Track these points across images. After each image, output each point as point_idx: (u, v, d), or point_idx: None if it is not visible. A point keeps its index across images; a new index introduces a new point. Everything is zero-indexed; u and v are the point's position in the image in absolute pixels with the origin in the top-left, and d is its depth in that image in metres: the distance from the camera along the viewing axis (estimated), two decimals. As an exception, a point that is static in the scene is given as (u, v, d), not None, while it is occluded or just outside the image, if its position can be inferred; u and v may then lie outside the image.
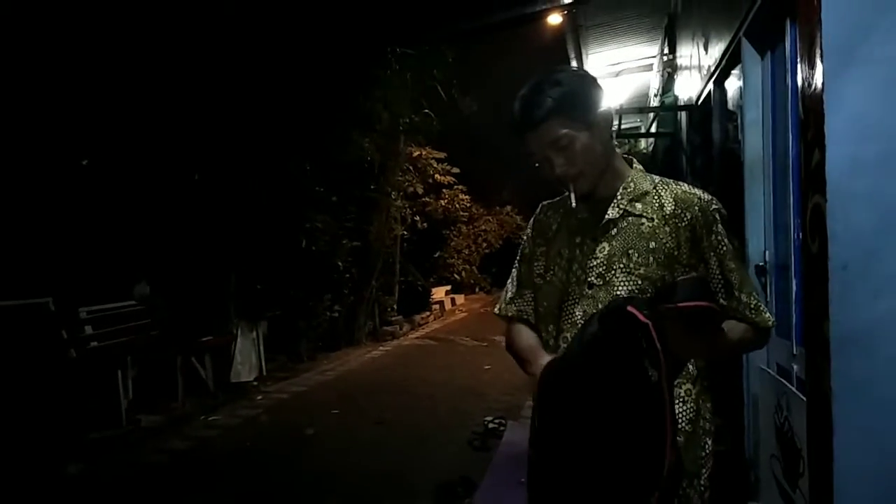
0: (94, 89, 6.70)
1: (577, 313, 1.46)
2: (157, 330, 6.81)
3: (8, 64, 5.97)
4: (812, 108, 1.82)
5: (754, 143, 3.25)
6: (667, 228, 1.43)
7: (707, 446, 1.45)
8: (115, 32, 6.57)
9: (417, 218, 14.56)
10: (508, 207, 23.12)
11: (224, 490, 4.38)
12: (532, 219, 1.68)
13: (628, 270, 1.42)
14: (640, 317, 1.17)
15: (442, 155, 15.41)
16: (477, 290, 22.79)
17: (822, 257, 1.73)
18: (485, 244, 22.46)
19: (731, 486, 3.19)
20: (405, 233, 13.71)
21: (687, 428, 1.42)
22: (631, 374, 1.18)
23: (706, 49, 4.41)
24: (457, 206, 18.82)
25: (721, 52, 3.73)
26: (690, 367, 1.44)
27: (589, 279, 1.46)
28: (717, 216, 1.43)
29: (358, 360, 9.79)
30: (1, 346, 5.28)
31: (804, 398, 2.12)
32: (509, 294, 1.66)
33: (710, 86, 4.21)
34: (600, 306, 1.40)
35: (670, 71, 7.24)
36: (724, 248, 1.42)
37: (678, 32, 6.62)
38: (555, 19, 7.71)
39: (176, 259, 7.50)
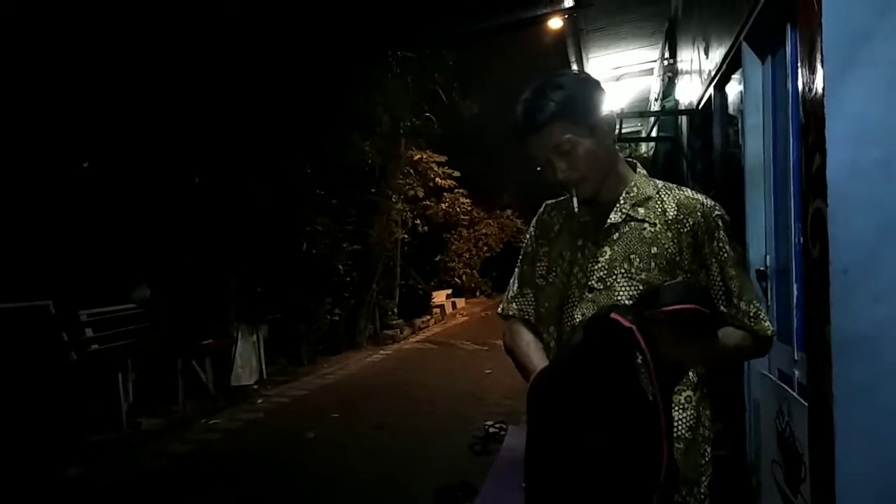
0: (95, 92, 6.71)
1: (577, 316, 1.46)
2: (158, 333, 6.80)
3: (10, 67, 5.98)
4: (813, 112, 1.82)
5: (755, 147, 3.25)
6: (669, 234, 1.42)
7: (707, 454, 1.44)
8: (116, 36, 6.58)
9: (418, 221, 14.55)
10: (509, 211, 23.10)
11: (224, 494, 4.37)
12: (535, 218, 1.67)
13: (630, 275, 1.41)
14: (624, 322, 1.16)
15: (443, 158, 15.40)
16: (478, 293, 22.77)
17: (823, 262, 1.73)
18: (485, 248, 22.44)
19: (733, 492, 3.18)
20: (406, 236, 13.71)
21: (687, 435, 1.41)
22: (618, 381, 1.17)
23: (707, 53, 4.42)
24: (457, 209, 18.80)
25: (721, 57, 3.73)
26: (691, 374, 1.43)
27: (590, 283, 1.45)
28: (720, 222, 1.42)
29: (358, 363, 9.78)
30: (2, 348, 5.28)
31: (805, 403, 2.11)
32: (511, 292, 1.65)
33: (711, 90, 4.22)
34: None
35: (671, 75, 7.25)
36: (726, 255, 1.41)
37: (679, 37, 6.63)
38: (555, 23, 7.73)
39: (176, 262, 7.50)
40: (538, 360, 1.46)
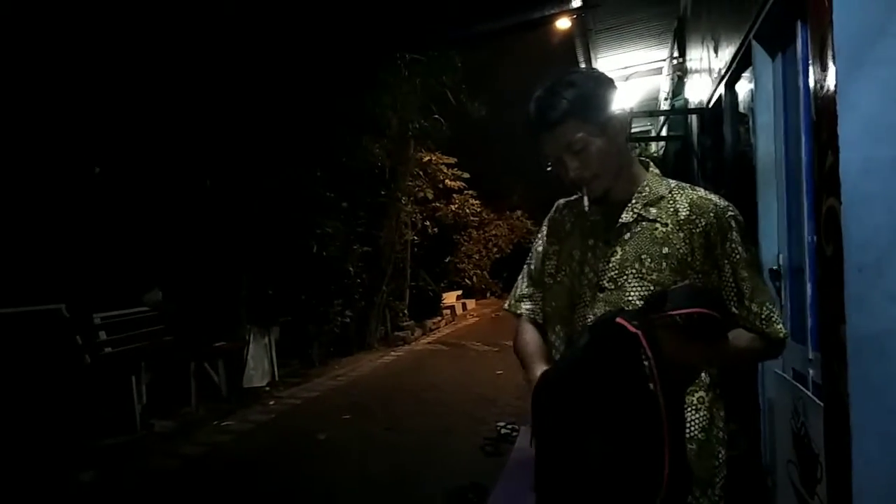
0: (107, 98, 6.77)
1: (589, 317, 1.45)
2: (171, 335, 6.85)
3: (22, 73, 6.05)
4: (825, 109, 1.80)
5: (766, 145, 3.22)
6: (681, 234, 1.41)
7: (721, 455, 1.43)
8: (128, 41, 6.64)
9: (428, 223, 14.58)
10: (519, 212, 23.09)
11: (236, 495, 4.39)
12: (547, 217, 1.66)
13: (640, 276, 1.41)
14: (630, 327, 1.16)
15: (452, 160, 15.42)
16: (488, 294, 22.78)
17: (838, 260, 1.71)
18: (495, 249, 22.45)
19: (748, 492, 3.16)
20: (416, 238, 13.73)
21: (700, 436, 1.40)
22: (622, 386, 1.17)
23: (716, 52, 4.39)
24: (467, 210, 18.81)
25: (731, 55, 3.71)
26: (704, 374, 1.42)
27: (601, 283, 1.45)
28: (733, 223, 1.41)
29: (369, 365, 9.80)
30: (16, 351, 5.34)
31: (821, 403, 2.09)
32: (520, 291, 1.64)
33: (721, 89, 4.19)
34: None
35: (680, 74, 7.21)
36: (738, 256, 1.40)
37: (688, 35, 6.60)
38: (563, 24, 7.71)
39: (188, 265, 7.55)
40: (539, 364, 1.46)
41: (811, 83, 1.94)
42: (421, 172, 13.76)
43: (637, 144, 9.79)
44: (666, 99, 9.32)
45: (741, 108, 3.86)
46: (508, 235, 22.80)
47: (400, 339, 12.11)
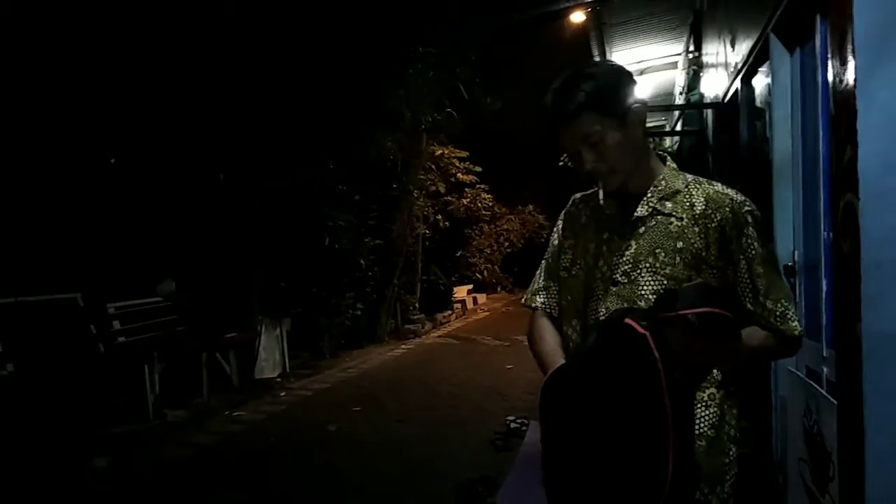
0: (123, 91, 6.82)
1: (601, 311, 1.44)
2: (184, 326, 6.91)
3: (39, 66, 6.10)
4: (844, 104, 1.78)
5: (783, 140, 3.19)
6: (696, 228, 1.40)
7: (731, 452, 1.42)
8: (144, 34, 6.68)
9: (439, 217, 14.56)
10: (531, 207, 22.98)
11: (247, 485, 4.42)
12: (563, 211, 1.66)
13: (654, 270, 1.40)
14: (638, 328, 1.15)
15: (464, 154, 15.37)
16: (499, 289, 22.72)
17: (855, 257, 1.69)
18: (507, 243, 22.37)
19: (759, 490, 3.14)
20: (427, 231, 13.72)
21: (710, 433, 1.39)
22: (629, 386, 1.16)
23: (733, 46, 4.35)
24: (479, 205, 18.76)
25: (749, 49, 3.67)
26: (715, 371, 1.41)
27: (615, 277, 1.44)
28: (750, 218, 1.39)
29: (380, 357, 9.83)
30: (31, 340, 5.40)
31: (834, 401, 2.07)
32: (536, 285, 1.64)
33: (738, 83, 4.15)
34: (625, 304, 1.39)
35: (696, 68, 7.15)
36: (754, 252, 1.38)
37: (704, 29, 6.53)
38: (578, 17, 7.66)
39: (202, 256, 7.60)
40: (553, 359, 1.46)
41: (830, 77, 1.91)
42: (433, 166, 13.74)
43: (651, 139, 9.72)
44: (681, 93, 9.25)
45: (758, 103, 3.82)
46: (520, 230, 22.71)
47: (410, 332, 12.13)
